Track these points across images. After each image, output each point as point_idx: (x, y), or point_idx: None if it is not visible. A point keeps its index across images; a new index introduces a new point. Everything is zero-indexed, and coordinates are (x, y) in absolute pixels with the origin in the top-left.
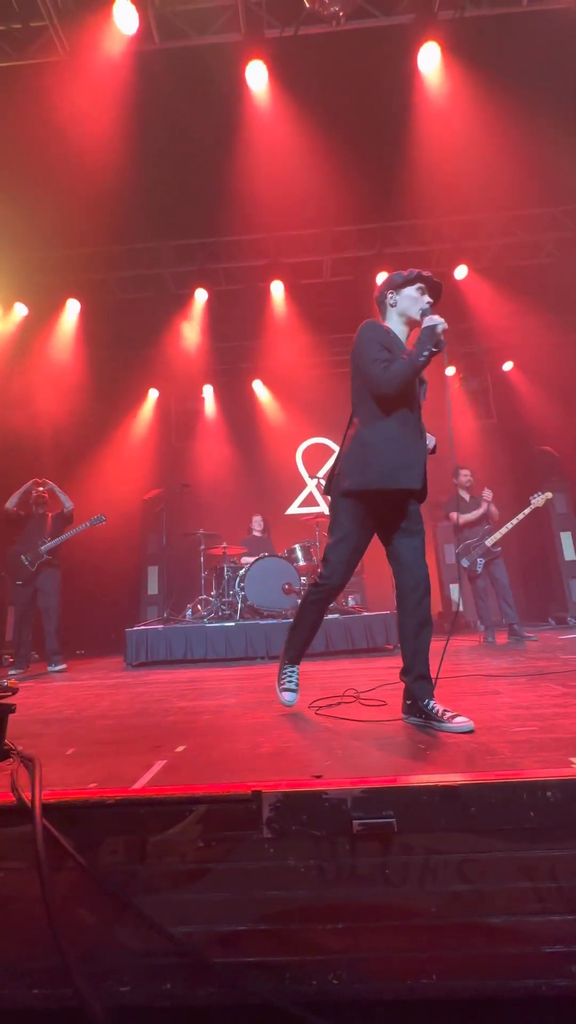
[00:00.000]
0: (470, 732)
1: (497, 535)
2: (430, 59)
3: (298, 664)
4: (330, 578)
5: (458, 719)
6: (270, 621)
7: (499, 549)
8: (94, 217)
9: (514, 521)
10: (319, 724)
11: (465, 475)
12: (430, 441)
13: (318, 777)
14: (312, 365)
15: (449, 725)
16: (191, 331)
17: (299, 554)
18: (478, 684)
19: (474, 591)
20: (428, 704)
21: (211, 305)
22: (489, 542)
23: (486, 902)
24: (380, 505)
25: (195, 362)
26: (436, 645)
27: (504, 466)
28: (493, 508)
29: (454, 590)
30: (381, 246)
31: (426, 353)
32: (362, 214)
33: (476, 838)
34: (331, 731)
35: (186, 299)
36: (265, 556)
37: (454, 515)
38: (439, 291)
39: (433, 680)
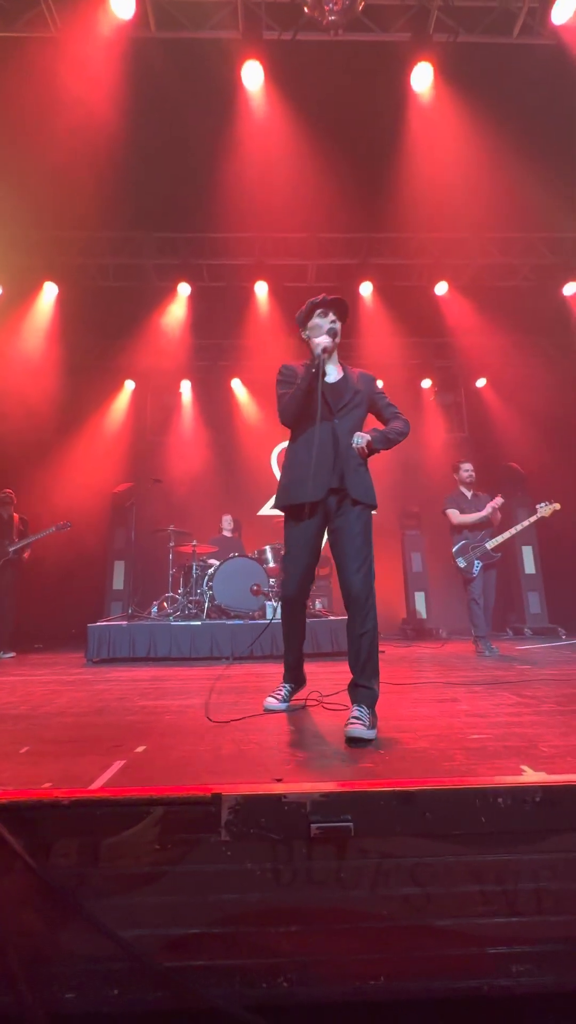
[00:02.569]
0: (357, 740)
1: (500, 539)
2: (423, 78)
3: (293, 683)
4: (284, 588)
5: (350, 726)
6: (237, 622)
7: (499, 554)
8: (76, 200)
9: (518, 528)
10: (282, 727)
11: (466, 470)
12: (359, 440)
13: (278, 780)
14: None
15: (347, 730)
16: (172, 325)
17: (269, 555)
18: (438, 691)
19: (467, 596)
20: (353, 709)
21: (194, 300)
22: (490, 545)
23: (435, 905)
24: (307, 517)
25: (174, 356)
26: (396, 651)
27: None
28: (498, 514)
29: (419, 598)
30: (366, 255)
31: (307, 377)
32: (349, 222)
33: (429, 842)
34: (293, 734)
35: (168, 292)
36: (235, 556)
37: (452, 513)
38: (342, 306)
39: (368, 687)
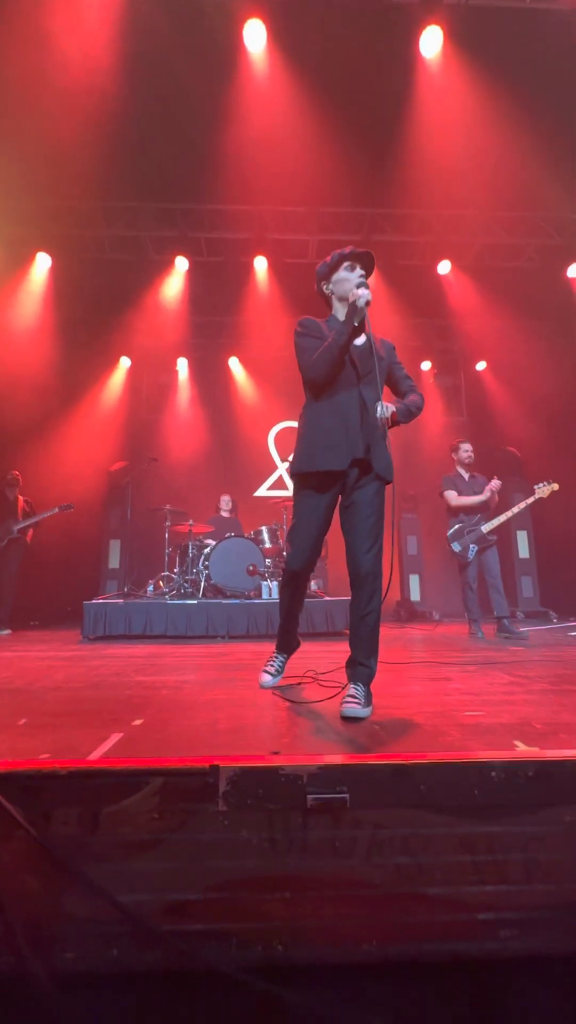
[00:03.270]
0: (352, 719)
1: (495, 522)
2: (432, 44)
3: (286, 651)
4: (290, 562)
5: (346, 704)
6: (232, 601)
7: (495, 537)
8: (70, 168)
9: (515, 509)
10: (278, 704)
11: (466, 450)
12: (384, 410)
13: (276, 753)
14: (291, 347)
15: (343, 708)
16: (169, 300)
17: (265, 536)
18: (431, 670)
19: (462, 581)
20: (350, 687)
21: (191, 275)
22: (485, 528)
23: (427, 874)
24: (324, 488)
25: (171, 333)
26: (390, 632)
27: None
28: (495, 497)
29: (414, 581)
30: (368, 232)
31: (346, 331)
32: (351, 197)
33: (423, 814)
34: (290, 710)
35: (165, 266)
36: (231, 536)
37: (449, 494)
38: (369, 260)
39: (366, 665)
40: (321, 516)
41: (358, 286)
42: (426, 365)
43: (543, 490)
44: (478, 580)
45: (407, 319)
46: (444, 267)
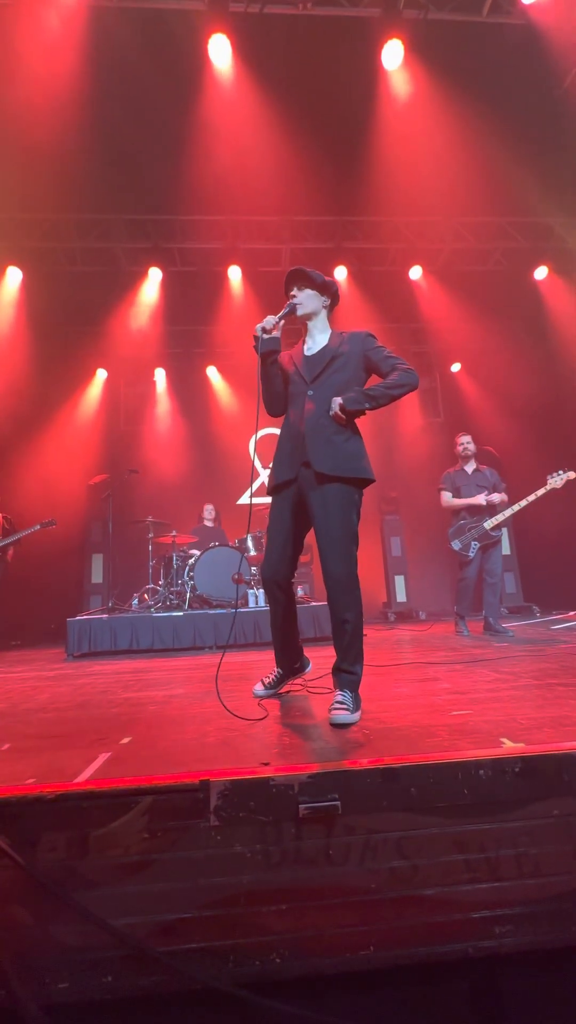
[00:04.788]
0: (341, 725)
1: (499, 517)
2: (393, 56)
3: (284, 667)
4: (262, 571)
5: (334, 711)
6: (219, 611)
7: (498, 534)
8: (38, 180)
9: (523, 503)
10: (267, 713)
11: (462, 444)
12: (333, 404)
13: (265, 764)
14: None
15: (331, 715)
16: (143, 311)
17: (250, 544)
18: (418, 671)
19: (460, 578)
20: (337, 694)
21: (166, 285)
22: (488, 524)
23: (421, 875)
24: (282, 495)
25: (147, 344)
26: (377, 634)
27: (448, 463)
28: (496, 496)
29: (399, 582)
30: (340, 239)
31: (259, 362)
32: (322, 206)
33: (414, 816)
34: (279, 719)
35: (139, 277)
36: (216, 546)
37: (443, 496)
38: (294, 277)
39: (350, 672)
40: (283, 523)
41: (285, 310)
42: None
43: (557, 480)
44: (477, 578)
45: (381, 324)
46: (415, 272)
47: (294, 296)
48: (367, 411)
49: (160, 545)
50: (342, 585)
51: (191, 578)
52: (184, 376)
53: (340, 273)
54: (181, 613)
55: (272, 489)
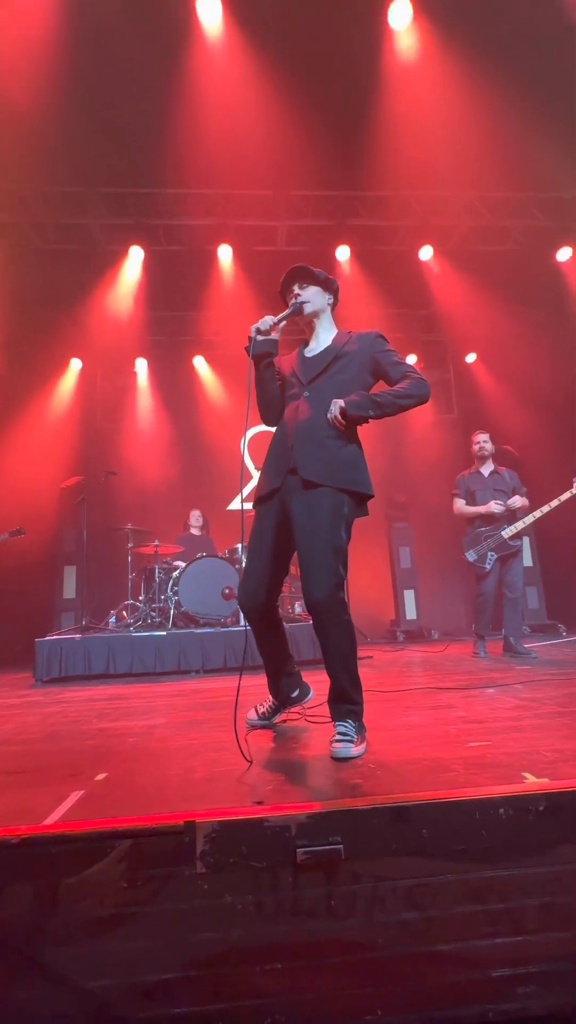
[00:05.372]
0: (344, 759)
1: (519, 524)
2: (401, 14)
3: (278, 697)
4: (239, 597)
5: (335, 744)
6: (207, 630)
7: (518, 544)
8: (4, 146)
9: (546, 508)
10: (260, 745)
11: (477, 443)
12: (332, 407)
13: (259, 803)
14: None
15: (332, 749)
16: (124, 294)
17: (242, 555)
18: (431, 698)
19: (478, 594)
20: (337, 725)
21: (148, 266)
22: (507, 533)
23: (435, 929)
24: (264, 508)
25: (127, 331)
26: (385, 656)
27: (462, 465)
28: (516, 501)
29: (408, 597)
30: (342, 216)
31: (251, 365)
32: (322, 180)
33: (427, 861)
34: (273, 753)
35: (118, 256)
36: (203, 557)
37: (456, 503)
38: (296, 274)
39: (350, 701)
40: (266, 539)
41: (288, 310)
42: (411, 359)
43: None
44: (496, 593)
45: (388, 309)
46: (426, 253)
47: (297, 295)
48: (369, 419)
49: (141, 556)
50: (328, 610)
51: (175, 593)
52: (168, 367)
53: (343, 253)
54: (164, 633)
55: (255, 501)
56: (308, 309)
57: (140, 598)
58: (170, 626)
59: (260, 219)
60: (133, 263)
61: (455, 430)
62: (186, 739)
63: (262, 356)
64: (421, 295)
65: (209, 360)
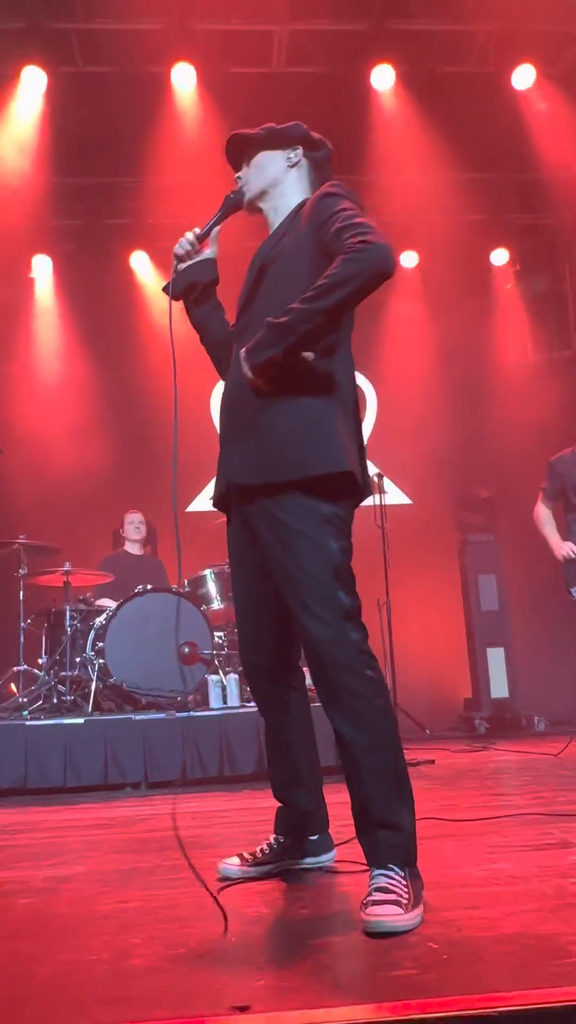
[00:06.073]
0: (385, 934)
1: None
2: None
3: (284, 829)
4: (240, 651)
5: (369, 911)
6: (154, 715)
7: None
8: None
9: None
10: (244, 906)
11: None
12: (242, 365)
13: (242, 1009)
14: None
15: (366, 918)
16: (9, 147)
17: (210, 586)
18: (535, 830)
19: None
20: (374, 874)
21: (54, 100)
22: None
23: None
24: (231, 529)
25: (17, 210)
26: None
27: None
28: None
29: (495, 661)
30: (380, 15)
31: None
32: None
33: None
34: (266, 918)
35: (4, 83)
36: (146, 591)
37: (539, 512)
38: (232, 146)
39: (392, 826)
40: (248, 576)
41: (223, 207)
42: (500, 256)
43: None
44: None
45: (459, 173)
46: (524, 76)
47: (236, 186)
48: (290, 357)
49: (40, 590)
50: (337, 663)
51: (99, 653)
52: (88, 271)
53: (382, 78)
54: (81, 720)
55: (216, 501)
56: (247, 195)
57: (40, 661)
58: (90, 709)
59: (246, 21)
60: (29, 94)
61: (573, 375)
62: (118, 900)
63: (186, 291)
64: (514, 148)
65: (156, 259)
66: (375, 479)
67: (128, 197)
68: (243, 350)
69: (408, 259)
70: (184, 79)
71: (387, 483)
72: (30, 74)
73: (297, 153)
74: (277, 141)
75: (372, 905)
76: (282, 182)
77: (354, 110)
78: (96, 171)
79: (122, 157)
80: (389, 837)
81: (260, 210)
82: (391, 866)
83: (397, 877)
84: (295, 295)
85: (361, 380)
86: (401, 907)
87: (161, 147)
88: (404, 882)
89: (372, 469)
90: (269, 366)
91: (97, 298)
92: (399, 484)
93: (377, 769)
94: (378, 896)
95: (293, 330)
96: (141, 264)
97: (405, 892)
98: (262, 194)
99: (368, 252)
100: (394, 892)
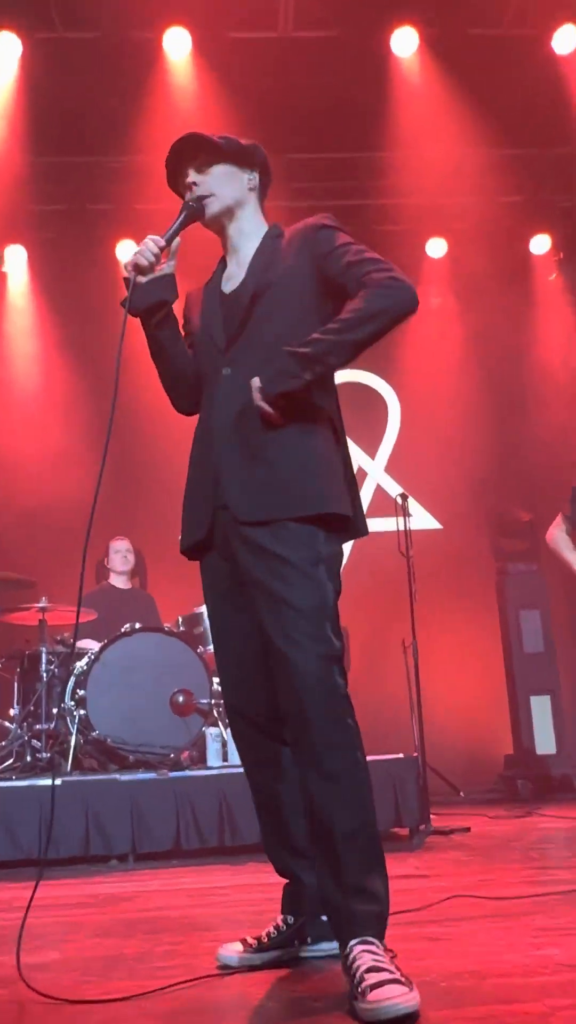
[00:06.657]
0: (406, 1017)
1: None
2: None
3: (291, 911)
4: (224, 696)
5: (372, 995)
6: (143, 776)
7: None
8: None
9: None
10: (246, 1002)
11: None
12: (256, 392)
13: None
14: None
15: (361, 1006)
16: None
17: (208, 626)
18: None
19: None
20: (357, 955)
21: (31, 71)
22: None
23: None
24: (208, 570)
25: None
26: (496, 826)
27: None
28: None
29: (539, 711)
30: None
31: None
32: None
33: None
34: (270, 1014)
35: None
36: (135, 630)
37: (552, 535)
38: (174, 154)
39: (356, 892)
40: (225, 613)
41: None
42: (541, 243)
43: None
44: None
45: (493, 149)
46: (565, 39)
47: (193, 187)
48: (318, 375)
49: (13, 629)
50: (315, 701)
51: (80, 703)
52: (68, 262)
53: (404, 39)
54: (59, 782)
55: (184, 548)
56: (215, 206)
57: (12, 712)
58: (69, 768)
59: None
60: (2, 64)
61: None
62: (100, 992)
63: (152, 309)
64: (555, 121)
65: None
66: (398, 499)
67: (114, 179)
68: (256, 379)
69: (435, 247)
70: (177, 46)
71: (413, 505)
72: (2, 40)
73: (254, 178)
74: (239, 158)
75: (373, 989)
76: (246, 204)
77: (372, 79)
78: (78, 150)
79: (107, 134)
80: (366, 905)
81: (223, 228)
82: (369, 938)
83: (379, 950)
84: (298, 325)
85: (382, 387)
86: (403, 984)
87: (151, 123)
88: (388, 956)
89: (395, 488)
90: (288, 396)
91: (79, 295)
92: (427, 506)
93: (352, 831)
94: (373, 977)
95: (321, 360)
96: (129, 255)
97: (395, 968)
98: (228, 211)
99: (398, 289)
100: (386, 970)
